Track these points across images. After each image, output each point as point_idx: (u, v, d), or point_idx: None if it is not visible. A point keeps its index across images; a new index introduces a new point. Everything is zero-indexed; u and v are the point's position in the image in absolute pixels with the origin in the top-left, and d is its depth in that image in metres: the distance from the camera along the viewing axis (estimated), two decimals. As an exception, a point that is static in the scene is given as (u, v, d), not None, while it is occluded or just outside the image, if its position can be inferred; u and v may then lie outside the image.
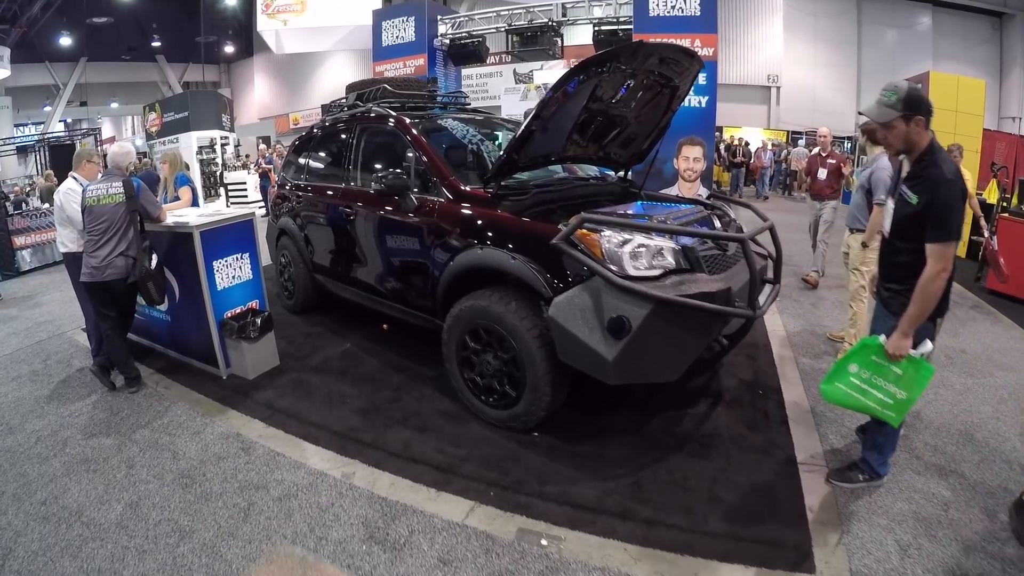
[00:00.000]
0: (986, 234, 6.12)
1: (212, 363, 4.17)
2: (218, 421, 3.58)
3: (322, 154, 5.14)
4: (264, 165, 13.51)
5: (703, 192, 4.43)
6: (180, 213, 4.42)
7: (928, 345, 2.51)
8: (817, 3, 20.75)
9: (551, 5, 10.57)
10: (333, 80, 26.76)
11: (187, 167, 6.00)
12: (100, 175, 4.05)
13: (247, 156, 16.61)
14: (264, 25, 16.61)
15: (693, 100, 8.47)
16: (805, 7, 20.53)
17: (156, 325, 4.57)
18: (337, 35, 16.58)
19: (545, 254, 2.94)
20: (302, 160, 5.34)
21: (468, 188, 3.53)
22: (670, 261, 2.85)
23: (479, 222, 3.33)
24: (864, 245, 4.28)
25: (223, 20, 28.04)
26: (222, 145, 15.47)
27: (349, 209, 4.32)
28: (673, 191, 4.15)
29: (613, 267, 2.72)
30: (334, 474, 2.99)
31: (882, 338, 2.55)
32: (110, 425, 3.60)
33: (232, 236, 4.16)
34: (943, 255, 2.33)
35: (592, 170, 4.44)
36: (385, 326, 4.91)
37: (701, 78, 7.81)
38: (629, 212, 3.39)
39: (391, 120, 4.19)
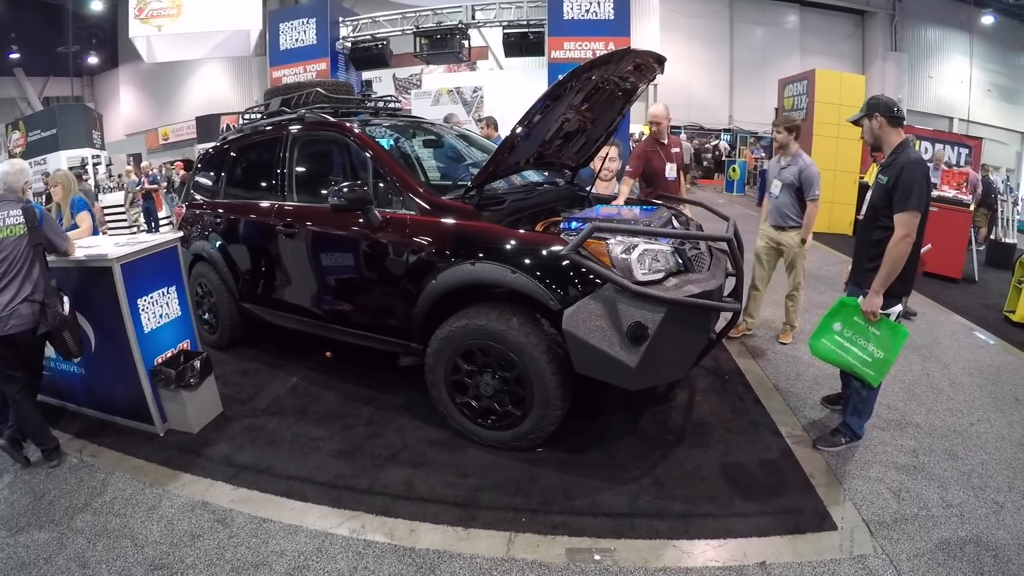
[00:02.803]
0: None
1: (144, 419, 3.57)
2: (173, 489, 3.04)
3: (245, 167, 4.55)
4: (147, 185, 12.15)
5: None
6: (88, 244, 3.73)
7: (898, 307, 2.92)
8: (691, 4, 22.17)
9: (460, 7, 10.31)
10: (205, 91, 25.33)
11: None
12: None
13: (120, 176, 14.91)
14: (136, 31, 14.73)
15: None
16: (680, 8, 21.81)
17: (65, 380, 3.84)
18: (212, 41, 15.19)
19: (547, 265, 2.84)
20: (217, 175, 4.71)
21: (446, 199, 3.30)
22: (669, 263, 2.91)
23: (465, 236, 3.12)
24: (803, 241, 4.52)
25: (87, 28, 24.73)
26: (94, 165, 13.82)
27: (289, 228, 3.86)
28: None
29: (622, 274, 2.71)
30: (341, 532, 2.65)
31: (860, 299, 2.91)
32: (38, 512, 2.92)
33: (156, 267, 3.58)
34: (907, 223, 2.74)
35: (533, 175, 4.32)
36: (328, 354, 4.48)
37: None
38: (610, 216, 3.36)
39: (340, 128, 3.80)
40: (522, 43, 9.93)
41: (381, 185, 3.49)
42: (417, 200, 3.33)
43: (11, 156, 14.98)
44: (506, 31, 10.07)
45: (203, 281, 4.64)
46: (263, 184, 4.25)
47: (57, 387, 3.90)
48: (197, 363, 3.56)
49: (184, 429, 3.56)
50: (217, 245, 4.48)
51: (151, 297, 3.53)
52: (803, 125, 9.78)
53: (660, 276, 2.81)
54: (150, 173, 12.75)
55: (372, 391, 3.95)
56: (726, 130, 21.71)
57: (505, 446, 3.16)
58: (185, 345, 3.79)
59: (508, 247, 2.96)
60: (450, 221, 3.20)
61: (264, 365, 4.49)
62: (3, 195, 3.24)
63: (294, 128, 4.07)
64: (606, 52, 3.04)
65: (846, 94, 9.75)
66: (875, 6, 21.94)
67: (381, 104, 4.71)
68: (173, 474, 3.18)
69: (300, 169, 4.04)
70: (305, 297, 3.96)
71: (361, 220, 3.41)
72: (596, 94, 3.39)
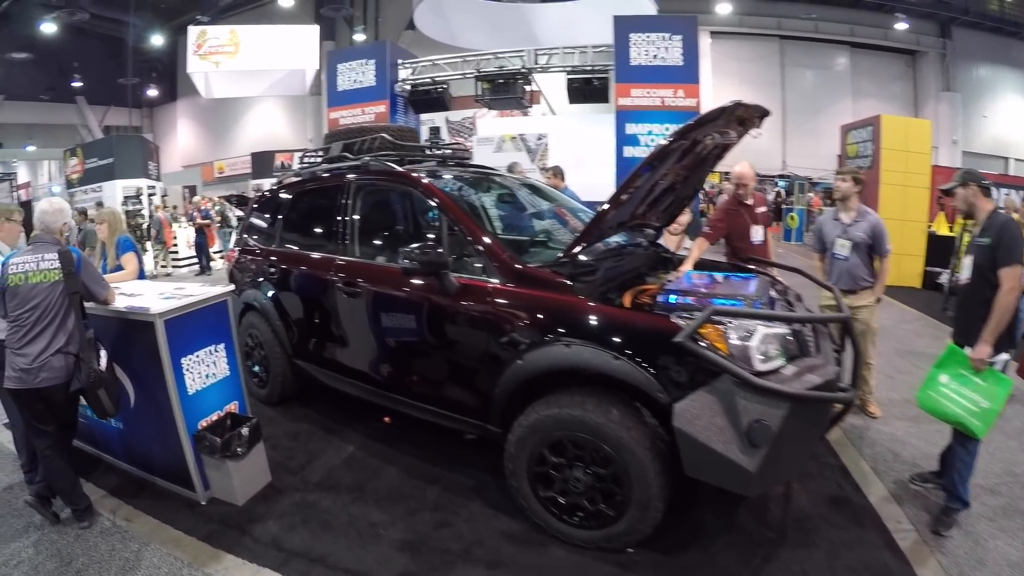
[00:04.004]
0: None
1: (185, 484, 3.29)
2: (214, 574, 2.73)
3: (304, 215, 4.32)
4: (200, 220, 12.25)
5: (689, 244, 4.22)
6: (131, 291, 3.49)
7: (1004, 356, 2.93)
8: (741, 49, 22.14)
9: (523, 52, 10.12)
10: (260, 127, 26.20)
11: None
12: (28, 242, 3.08)
13: (174, 207, 15.08)
14: (194, 67, 15.26)
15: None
16: (730, 52, 21.81)
17: (102, 430, 3.59)
18: (268, 80, 15.65)
19: (656, 352, 2.50)
20: (273, 220, 4.49)
21: (534, 268, 2.99)
22: (788, 349, 2.56)
23: (560, 312, 2.78)
24: (878, 300, 4.16)
25: (147, 62, 26.05)
26: (149, 195, 13.99)
27: (351, 285, 3.60)
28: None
29: (740, 363, 2.37)
30: (410, 646, 2.32)
31: (967, 350, 2.94)
32: (64, 582, 2.64)
33: (204, 323, 3.32)
34: (1011, 276, 2.86)
35: (616, 237, 3.88)
36: (387, 419, 4.13)
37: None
38: (704, 287, 3.03)
39: (410, 180, 3.53)
40: (586, 89, 9.60)
41: (455, 244, 3.20)
42: (500, 268, 3.00)
43: (68, 181, 15.32)
44: (570, 76, 9.79)
45: (254, 332, 4.38)
46: (323, 234, 3.99)
47: (93, 436, 3.68)
48: (245, 430, 3.27)
49: (228, 500, 3.27)
50: (270, 296, 4.23)
51: (197, 356, 3.28)
52: (869, 173, 9.48)
53: (781, 364, 2.47)
54: (203, 208, 12.83)
55: (437, 468, 3.59)
56: (781, 176, 21.29)
57: (593, 546, 2.79)
58: (233, 407, 3.52)
59: (610, 329, 2.63)
60: (540, 294, 2.86)
61: (317, 428, 4.17)
62: (40, 236, 3.04)
63: (358, 176, 3.82)
64: (715, 108, 2.72)
65: (912, 140, 9.33)
66: (925, 46, 21.60)
67: (449, 152, 4.46)
68: (215, 554, 2.87)
69: (364, 221, 3.77)
70: (365, 362, 3.66)
71: (434, 285, 3.11)
72: (693, 150, 3.09)
